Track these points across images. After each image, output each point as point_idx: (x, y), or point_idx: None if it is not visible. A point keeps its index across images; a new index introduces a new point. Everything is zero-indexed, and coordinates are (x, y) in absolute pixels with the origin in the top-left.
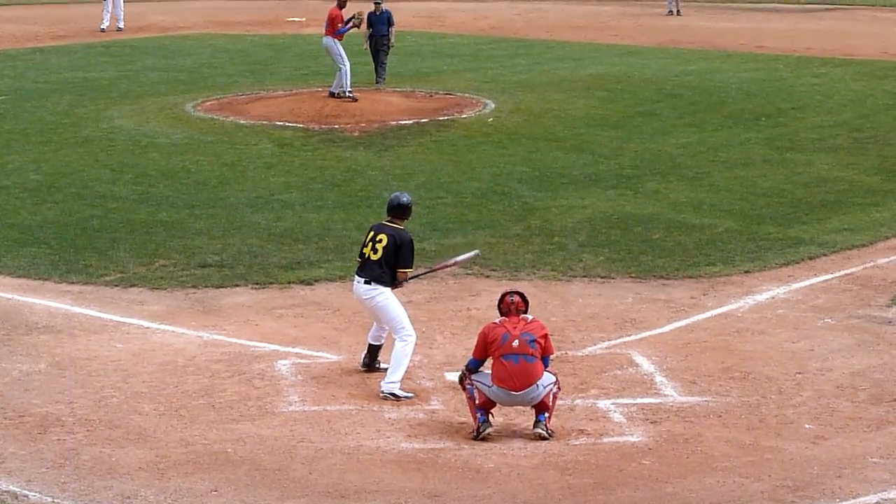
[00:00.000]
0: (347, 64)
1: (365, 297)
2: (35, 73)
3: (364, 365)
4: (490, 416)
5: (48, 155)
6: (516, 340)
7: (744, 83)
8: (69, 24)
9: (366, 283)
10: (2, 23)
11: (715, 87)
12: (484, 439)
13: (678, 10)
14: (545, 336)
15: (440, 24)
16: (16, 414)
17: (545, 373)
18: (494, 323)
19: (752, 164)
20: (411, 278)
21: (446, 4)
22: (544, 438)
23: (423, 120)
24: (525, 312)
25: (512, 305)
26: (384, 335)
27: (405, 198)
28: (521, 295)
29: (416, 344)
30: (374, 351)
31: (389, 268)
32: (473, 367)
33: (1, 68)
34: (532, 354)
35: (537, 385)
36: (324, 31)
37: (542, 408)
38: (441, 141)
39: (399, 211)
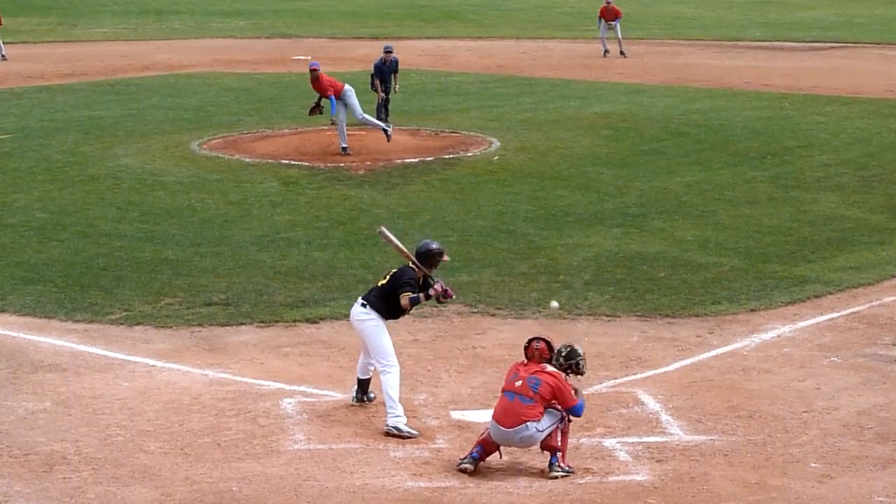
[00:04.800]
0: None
1: (357, 318)
2: (41, 111)
3: (356, 399)
4: (482, 455)
5: (54, 193)
6: (521, 381)
7: (749, 121)
8: (75, 62)
9: (362, 305)
10: (8, 61)
11: (720, 126)
12: (463, 471)
13: (621, 51)
14: (555, 387)
15: (445, 62)
16: (21, 452)
17: (547, 416)
18: (517, 362)
19: (757, 202)
20: (421, 299)
21: (452, 43)
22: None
23: (429, 158)
24: (550, 360)
25: (536, 352)
26: (371, 367)
27: (433, 245)
28: (548, 343)
29: (401, 374)
30: (363, 384)
31: (390, 298)
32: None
33: (7, 107)
34: (530, 397)
35: (527, 426)
36: (326, 95)
37: (548, 448)
38: (446, 179)
39: (421, 258)
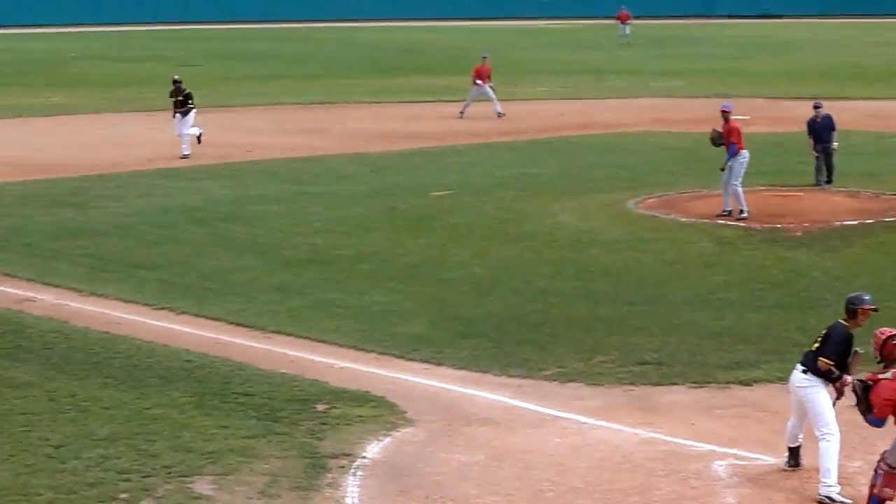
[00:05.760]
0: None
1: (797, 384)
2: (481, 168)
3: (789, 465)
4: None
5: (491, 249)
6: None
7: None
8: (515, 121)
9: (803, 371)
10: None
11: None
12: None
13: None
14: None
15: (887, 123)
16: (453, 503)
17: None
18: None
19: None
20: (835, 378)
21: (894, 104)
22: None
23: (869, 221)
24: None
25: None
26: (800, 435)
27: (864, 296)
28: None
29: (839, 443)
30: (794, 452)
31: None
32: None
33: (449, 164)
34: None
35: None
36: (731, 141)
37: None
38: (887, 243)
39: (847, 308)
